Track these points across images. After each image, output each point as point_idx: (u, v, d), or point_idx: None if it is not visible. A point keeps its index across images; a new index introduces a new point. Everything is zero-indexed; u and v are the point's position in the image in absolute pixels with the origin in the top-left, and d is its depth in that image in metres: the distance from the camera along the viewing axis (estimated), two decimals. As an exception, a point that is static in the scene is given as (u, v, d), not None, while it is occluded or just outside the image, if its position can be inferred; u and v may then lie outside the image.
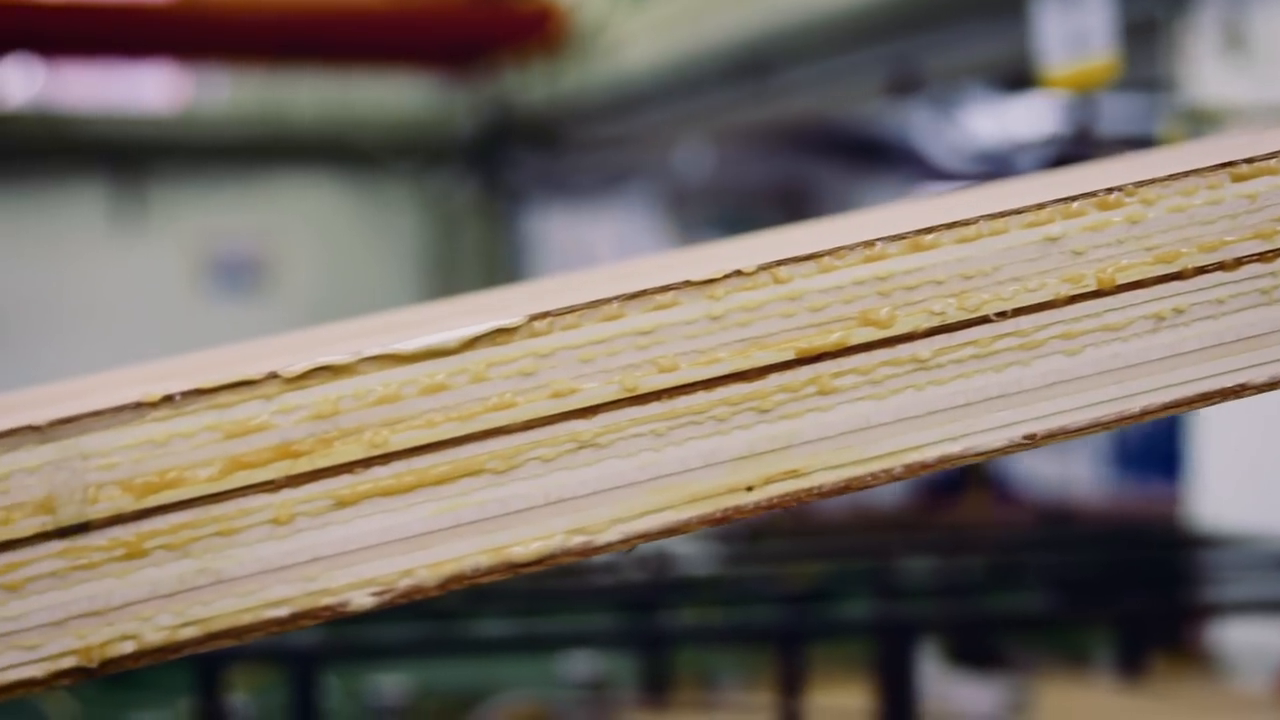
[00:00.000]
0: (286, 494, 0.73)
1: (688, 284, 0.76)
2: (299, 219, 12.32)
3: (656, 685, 3.15)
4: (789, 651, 2.56)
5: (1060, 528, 5.27)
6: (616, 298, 0.76)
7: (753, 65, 8.96)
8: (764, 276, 0.77)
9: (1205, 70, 4.17)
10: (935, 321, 0.78)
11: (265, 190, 12.26)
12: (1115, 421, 0.81)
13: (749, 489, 0.77)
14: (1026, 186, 0.98)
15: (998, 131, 11.59)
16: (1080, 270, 0.79)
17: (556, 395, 0.75)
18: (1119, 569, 3.70)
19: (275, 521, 0.73)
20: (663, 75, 10.06)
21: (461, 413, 0.74)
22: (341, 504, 0.74)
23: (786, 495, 0.77)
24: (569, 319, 0.75)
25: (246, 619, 0.73)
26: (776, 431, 0.77)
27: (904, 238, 0.78)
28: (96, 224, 11.99)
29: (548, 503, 0.75)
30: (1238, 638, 4.18)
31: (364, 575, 0.74)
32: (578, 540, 0.76)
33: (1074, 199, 0.79)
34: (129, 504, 0.72)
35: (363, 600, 0.74)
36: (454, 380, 0.74)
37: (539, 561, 0.76)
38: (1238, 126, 3.25)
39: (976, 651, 3.14)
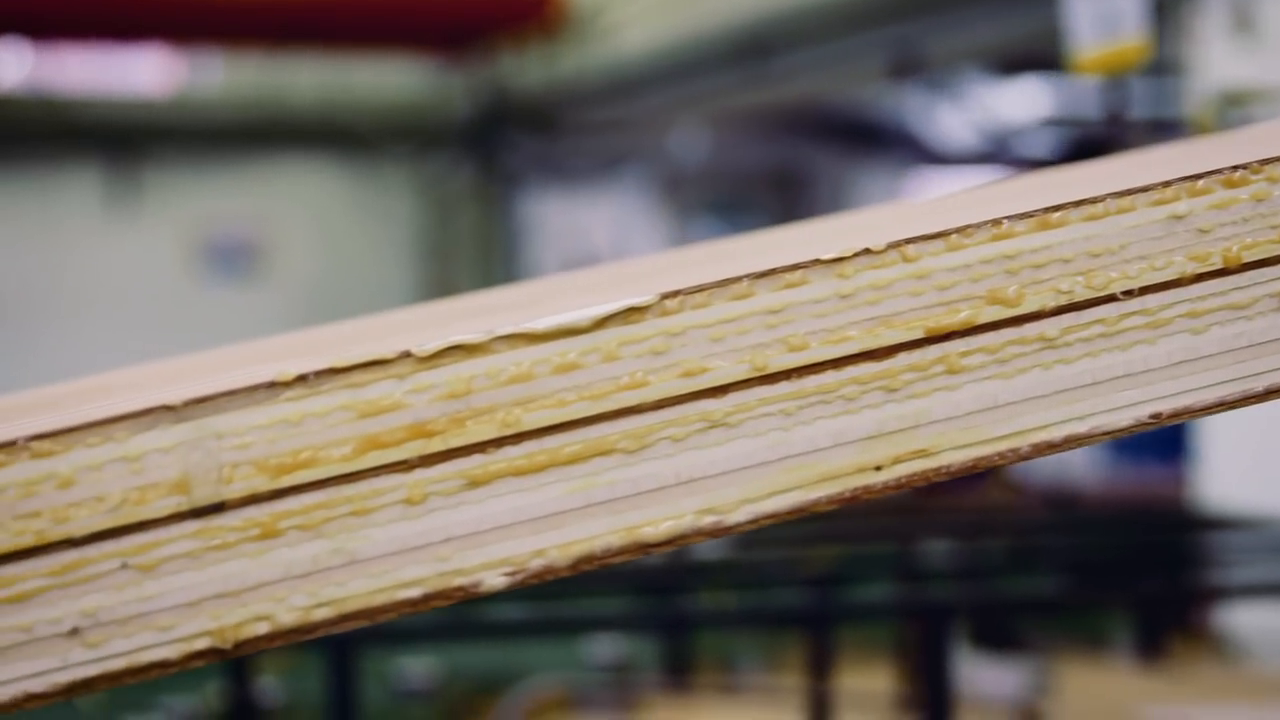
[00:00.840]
0: (419, 474, 0.73)
1: (817, 262, 0.76)
2: (294, 203, 12.29)
3: (678, 668, 3.15)
4: (817, 635, 2.56)
5: (1067, 512, 5.28)
6: (746, 276, 0.75)
7: (753, 48, 8.95)
8: (893, 255, 0.76)
9: (1214, 53, 4.17)
10: (1062, 300, 0.77)
11: (260, 174, 12.23)
12: (1239, 401, 0.80)
13: (877, 469, 0.76)
14: (1147, 163, 0.97)
15: (997, 115, 11.58)
16: (1206, 248, 0.79)
17: (687, 374, 0.75)
18: (1132, 552, 3.70)
19: (408, 501, 0.73)
20: (660, 59, 10.05)
21: (593, 392, 0.74)
22: (474, 484, 0.73)
23: (915, 475, 0.77)
24: (699, 297, 0.75)
25: (379, 600, 0.73)
26: (905, 411, 0.76)
27: (1031, 216, 0.77)
28: (91, 208, 11.96)
29: (678, 482, 0.75)
30: (1246, 620, 4.18)
31: (496, 555, 0.74)
32: (708, 520, 0.75)
33: (1200, 177, 0.79)
34: (263, 484, 0.72)
35: (495, 581, 0.74)
36: (586, 359, 0.74)
37: (670, 542, 0.75)
38: (1267, 110, 3.25)
39: (996, 635, 3.14)
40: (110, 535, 0.71)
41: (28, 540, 0.70)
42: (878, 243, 0.76)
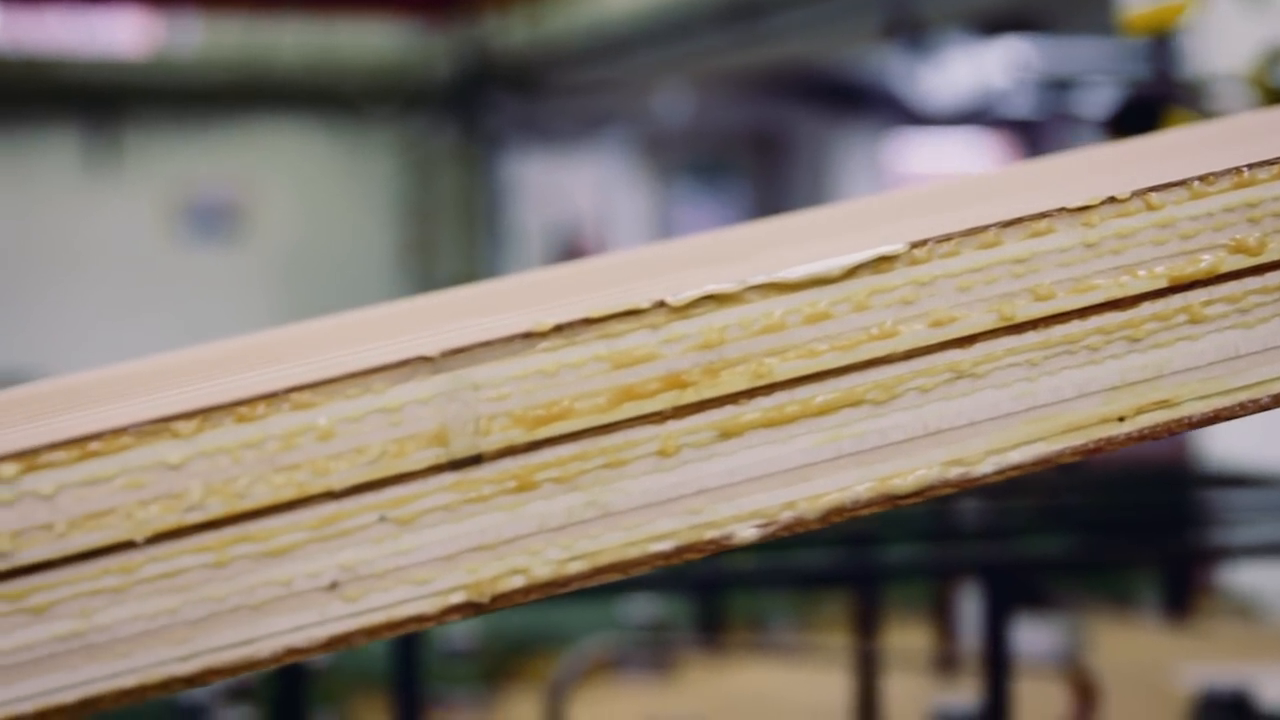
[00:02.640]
0: (672, 425, 0.72)
1: (1063, 211, 0.75)
2: (275, 165, 12.23)
3: (711, 628, 3.16)
4: (863, 594, 2.56)
5: (1074, 471, 5.29)
6: (993, 225, 0.74)
7: (744, 8, 8.91)
8: (1137, 203, 0.76)
9: (1221, 10, 4.16)
10: (1304, 249, 0.77)
11: (241, 136, 12.16)
12: None
13: (1121, 419, 0.76)
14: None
15: (984, 76, 11.57)
16: None
17: (936, 324, 0.74)
18: (1150, 511, 3.71)
19: (661, 454, 0.72)
20: (646, 19, 10.01)
21: (843, 342, 0.73)
22: (726, 435, 0.73)
23: (1157, 426, 0.76)
24: (947, 246, 0.74)
25: (632, 553, 0.72)
26: (1148, 361, 0.76)
27: (1274, 163, 0.77)
28: (70, 170, 11.87)
29: (926, 434, 0.74)
30: (1256, 579, 4.20)
31: (747, 508, 0.73)
32: (955, 472, 0.75)
33: None
34: (520, 436, 0.71)
35: (746, 533, 0.73)
36: (836, 309, 0.73)
37: (918, 493, 0.74)
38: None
39: (1027, 594, 3.15)
40: (369, 488, 0.70)
41: (288, 493, 0.69)
42: (1122, 190, 0.75)
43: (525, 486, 0.71)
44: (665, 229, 13.31)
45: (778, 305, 0.73)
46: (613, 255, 1.14)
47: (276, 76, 11.80)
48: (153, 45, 12.04)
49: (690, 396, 0.72)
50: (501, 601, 0.72)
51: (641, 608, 3.12)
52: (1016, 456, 0.75)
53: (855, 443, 0.74)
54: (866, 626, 2.61)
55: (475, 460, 0.71)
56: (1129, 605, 3.45)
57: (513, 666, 3.10)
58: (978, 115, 12.89)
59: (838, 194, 13.27)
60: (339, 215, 12.35)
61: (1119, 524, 3.51)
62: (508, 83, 11.66)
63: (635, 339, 0.72)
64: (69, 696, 0.67)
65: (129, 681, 0.68)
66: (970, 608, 3.03)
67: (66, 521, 0.67)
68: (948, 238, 0.74)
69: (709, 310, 0.72)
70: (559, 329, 0.71)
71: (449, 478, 0.70)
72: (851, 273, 0.73)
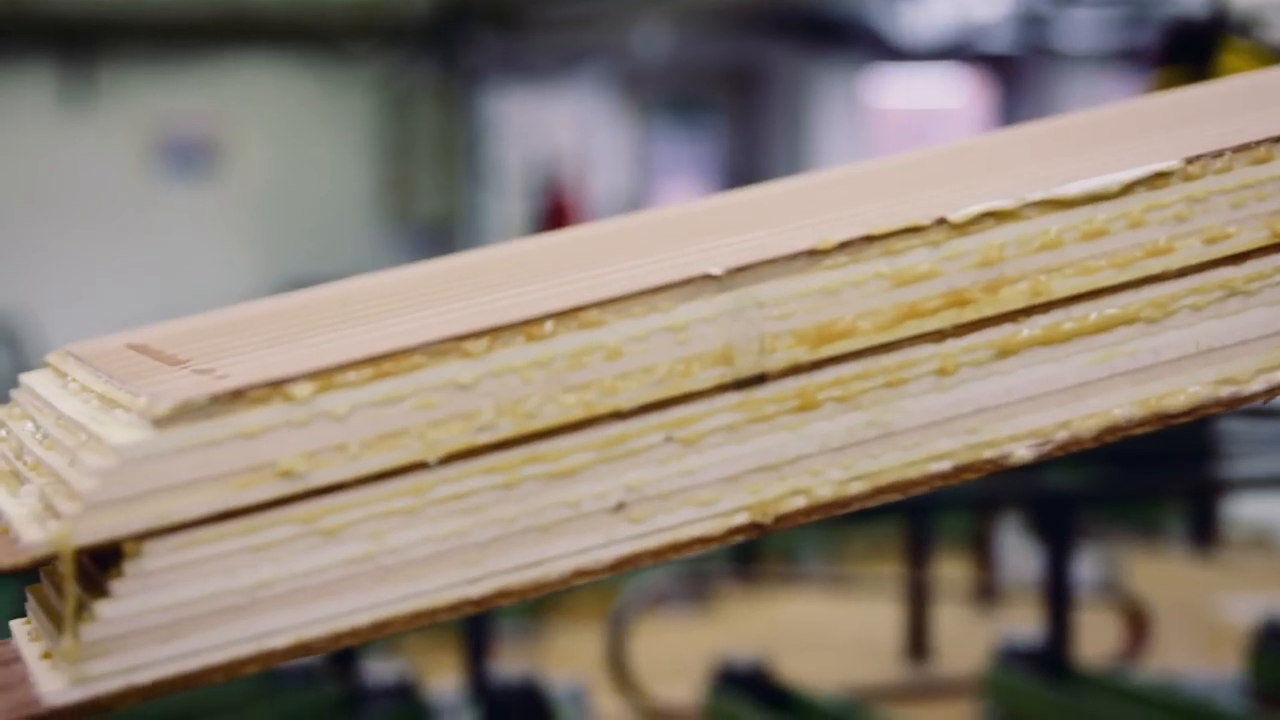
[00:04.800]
0: (951, 344, 0.71)
1: (1333, 127, 0.74)
2: (252, 101, 12.12)
3: (745, 561, 3.16)
4: (915, 525, 2.56)
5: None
6: (1265, 140, 0.73)
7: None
8: (1405, 119, 0.75)
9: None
10: None
11: (218, 71, 12.05)
12: None
13: (1386, 337, 0.75)
14: None
15: (962, 11, 11.54)
16: None
17: (1209, 241, 0.73)
18: (1174, 442, 3.73)
19: (940, 372, 0.71)
20: (628, -47, 9.93)
21: (1118, 259, 0.72)
22: (1003, 354, 0.72)
23: None
24: (1220, 162, 0.73)
25: (911, 473, 0.71)
26: None
27: None
28: (46, 106, 11.75)
29: (1197, 352, 0.73)
30: (1268, 511, 4.22)
31: (1023, 427, 0.72)
32: (1226, 391, 0.74)
33: None
34: (803, 355, 0.70)
35: (1023, 453, 0.72)
36: (1113, 225, 0.72)
37: (1189, 412, 0.74)
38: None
39: (1043, 526, 3.16)
40: (655, 408, 0.69)
41: (577, 413, 0.68)
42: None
43: (808, 406, 0.70)
44: (645, 165, 13.27)
45: (1055, 222, 0.72)
46: (834, 172, 1.13)
47: (254, 12, 11.68)
48: (127, -21, 11.90)
49: (970, 314, 0.71)
50: (784, 522, 0.71)
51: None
52: (1284, 375, 0.74)
53: (1129, 361, 0.73)
54: (917, 557, 2.61)
55: (759, 379, 0.69)
56: (1157, 537, 3.46)
57: (558, 601, 3.09)
58: (957, 50, 12.87)
59: (815, 131, 13.24)
60: (317, 152, 12.25)
61: (1142, 456, 3.52)
62: (487, 18, 11.58)
63: (916, 256, 0.70)
64: (361, 620, 0.66)
65: (420, 604, 0.67)
66: (1011, 540, 3.03)
67: (360, 442, 0.66)
68: (1219, 153, 0.73)
69: (988, 227, 0.71)
70: (844, 246, 0.70)
71: (733, 397, 0.69)
72: (1128, 189, 0.72)
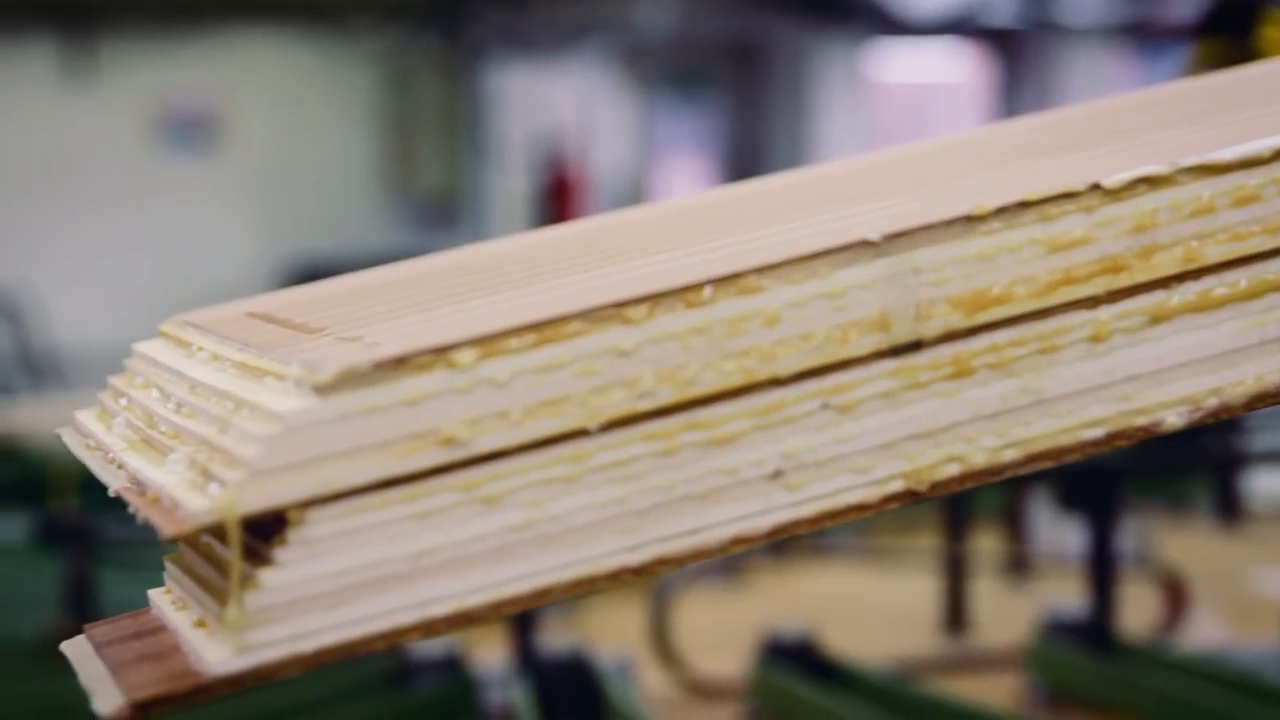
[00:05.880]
0: (1105, 310, 0.71)
1: None
2: (254, 75, 12.09)
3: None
4: (953, 497, 2.56)
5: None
6: None
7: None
8: None
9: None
10: None
11: (219, 45, 12.01)
12: None
13: None
14: None
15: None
16: None
17: (1361, 207, 0.72)
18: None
19: (1093, 339, 0.71)
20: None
21: (1270, 225, 0.72)
22: (1155, 320, 0.71)
23: None
24: (1370, 128, 0.73)
25: (1064, 440, 0.71)
26: None
27: None
28: (47, 80, 11.71)
29: (1347, 319, 0.73)
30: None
31: (1175, 394, 0.72)
32: (1375, 357, 0.73)
33: None
34: (959, 321, 0.69)
35: (1174, 420, 0.72)
36: (1265, 191, 0.72)
37: (1339, 379, 0.73)
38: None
39: (1087, 499, 3.15)
40: (813, 375, 0.68)
41: (736, 380, 0.67)
42: None
43: (962, 373, 0.70)
44: (647, 140, 13.24)
45: (1207, 188, 0.71)
46: (947, 139, 1.12)
47: (255, -15, 11.65)
48: (127, -47, 11.86)
49: (1123, 281, 0.71)
50: (939, 489, 0.70)
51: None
52: None
53: (1279, 328, 0.72)
54: (955, 530, 2.61)
55: (915, 346, 0.69)
56: (1184, 509, 3.46)
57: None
58: (960, 25, 12.85)
59: (817, 105, 13.21)
60: (319, 126, 12.22)
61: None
62: (489, -8, 11.54)
63: (1070, 222, 0.70)
64: (522, 588, 0.66)
65: (580, 572, 0.66)
66: (1043, 513, 3.03)
67: (522, 409, 0.65)
68: (1371, 119, 0.73)
69: (1141, 193, 0.71)
70: (1000, 211, 0.69)
71: (890, 364, 0.69)
72: (1279, 154, 0.72)
